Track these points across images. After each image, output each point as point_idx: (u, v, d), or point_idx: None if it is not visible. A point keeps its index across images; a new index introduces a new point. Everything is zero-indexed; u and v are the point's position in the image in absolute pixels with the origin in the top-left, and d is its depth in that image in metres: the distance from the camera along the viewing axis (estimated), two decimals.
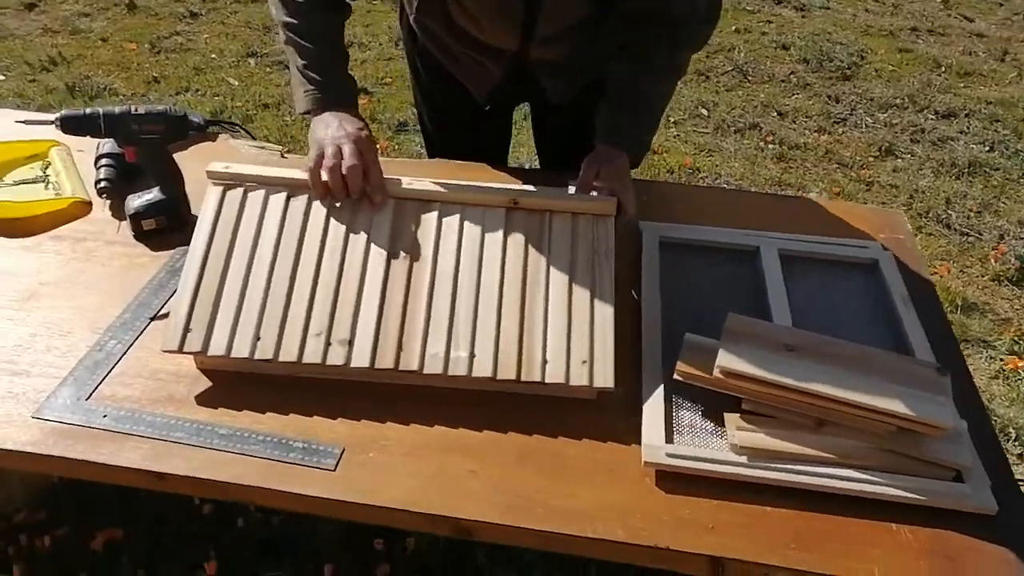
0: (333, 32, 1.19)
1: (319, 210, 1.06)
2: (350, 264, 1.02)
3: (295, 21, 1.15)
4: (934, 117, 3.26)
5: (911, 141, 3.10)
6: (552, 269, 1.02)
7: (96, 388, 0.98)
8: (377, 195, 1.06)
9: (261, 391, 0.98)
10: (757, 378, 0.92)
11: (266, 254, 1.02)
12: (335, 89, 1.15)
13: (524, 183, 1.31)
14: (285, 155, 1.45)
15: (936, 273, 2.37)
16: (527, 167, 2.30)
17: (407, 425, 0.95)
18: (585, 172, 1.14)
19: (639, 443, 0.94)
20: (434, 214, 1.06)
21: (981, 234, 2.57)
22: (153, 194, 1.21)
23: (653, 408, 0.97)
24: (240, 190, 1.07)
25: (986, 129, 3.19)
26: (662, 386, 0.99)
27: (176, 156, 1.23)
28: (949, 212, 2.66)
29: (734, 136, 3.09)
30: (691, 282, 1.19)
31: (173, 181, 1.22)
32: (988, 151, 3.05)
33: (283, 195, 1.07)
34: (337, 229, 1.05)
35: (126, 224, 1.22)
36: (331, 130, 1.08)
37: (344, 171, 1.04)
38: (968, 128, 3.19)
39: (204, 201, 1.06)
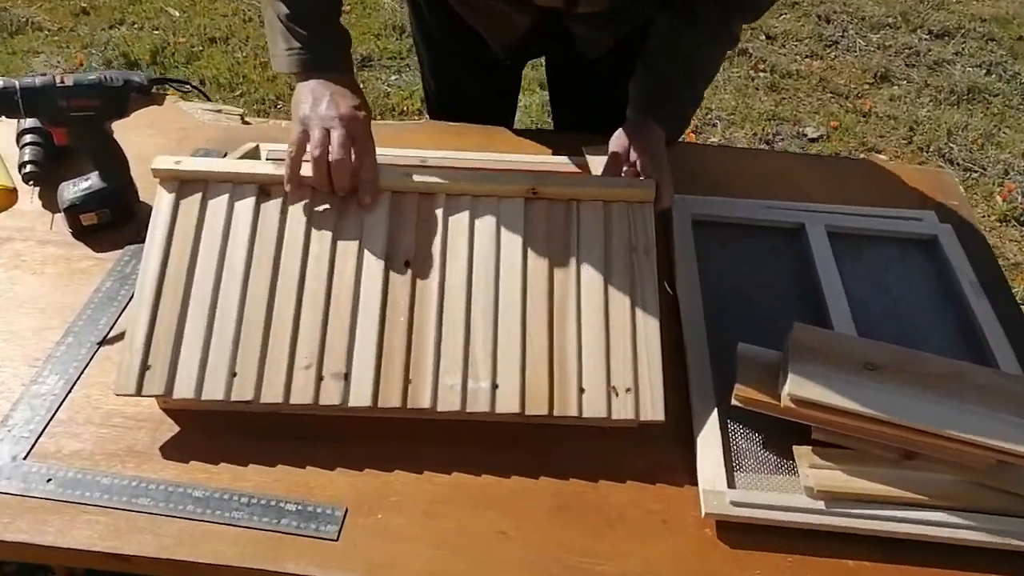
0: None
1: (298, 212, 0.87)
2: (341, 278, 0.84)
3: None
4: (928, 37, 3.10)
5: (906, 65, 2.94)
6: (583, 273, 0.86)
7: (36, 442, 0.80)
8: (367, 195, 0.87)
9: (242, 436, 0.81)
10: (836, 408, 0.78)
11: (237, 270, 0.84)
12: (326, 47, 0.93)
13: (538, 149, 1.13)
14: (247, 120, 1.24)
15: None
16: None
17: (420, 474, 0.80)
18: (614, 148, 0.97)
19: (693, 482, 0.80)
20: (439, 211, 0.88)
21: (985, 169, 2.44)
22: (92, 181, 1.00)
23: (708, 441, 0.82)
24: (198, 194, 0.87)
25: (982, 50, 3.04)
26: (715, 411, 0.85)
27: (115, 125, 1.01)
28: (951, 145, 2.53)
29: (723, 64, 2.89)
30: (731, 270, 1.03)
31: (116, 165, 1.01)
32: (985, 74, 2.90)
33: (252, 196, 0.87)
34: (322, 235, 0.86)
35: (61, 218, 1.02)
36: (320, 107, 0.88)
37: (330, 163, 0.85)
38: (963, 49, 3.03)
39: (154, 208, 0.87)
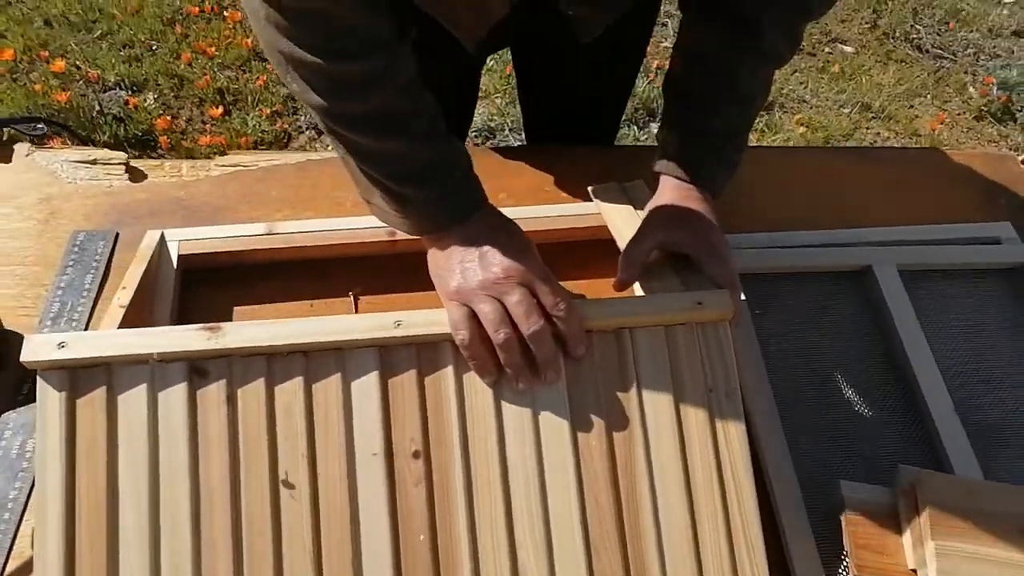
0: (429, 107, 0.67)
1: (254, 395, 0.62)
2: (328, 488, 0.61)
3: (367, 112, 0.63)
4: None
5: None
6: (651, 433, 0.64)
7: None
8: (579, 346, 0.64)
9: None
10: None
11: (179, 503, 0.59)
12: (456, 196, 0.68)
13: (521, 184, 0.88)
14: (133, 166, 0.93)
15: (918, 118, 2.08)
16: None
17: None
18: (648, 235, 0.72)
19: None
20: (448, 369, 0.64)
21: (955, 55, 2.26)
22: None
23: None
24: (100, 388, 0.60)
25: None
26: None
27: None
28: (918, 27, 2.32)
29: None
30: (791, 340, 0.84)
31: None
32: None
33: (182, 382, 0.61)
34: (289, 428, 0.61)
35: None
36: (474, 273, 0.64)
37: (527, 338, 0.61)
38: None
39: (38, 420, 0.60)
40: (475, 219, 0.67)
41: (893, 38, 2.28)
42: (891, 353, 0.83)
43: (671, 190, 0.74)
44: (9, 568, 0.66)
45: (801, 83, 2.19)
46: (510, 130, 2.07)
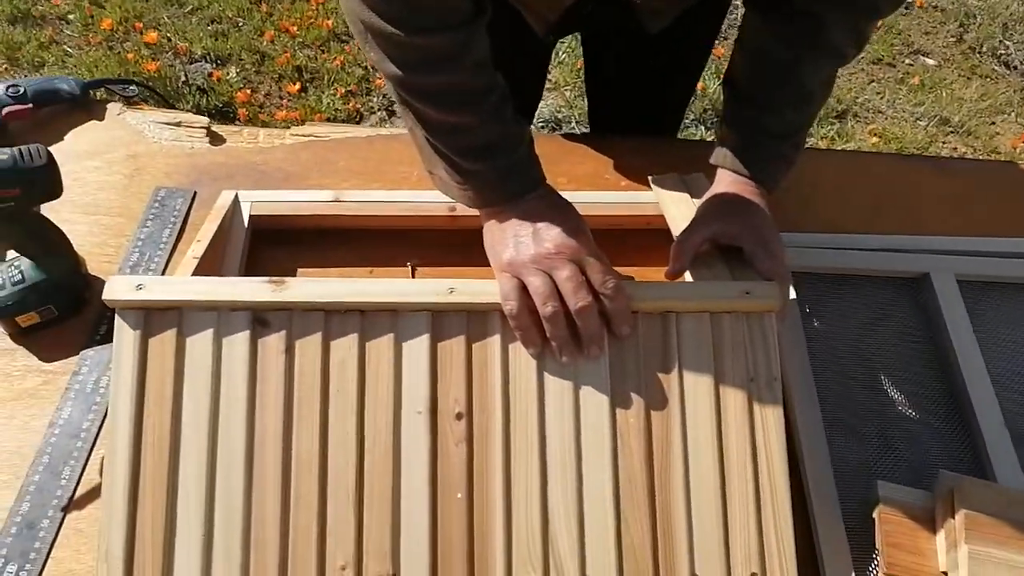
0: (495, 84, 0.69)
1: (311, 347, 0.65)
2: (374, 446, 0.64)
3: (444, 82, 0.66)
4: None
5: None
6: (689, 414, 0.66)
7: None
8: (624, 325, 0.65)
9: None
10: None
11: (236, 440, 0.63)
12: (515, 172, 0.70)
13: (582, 174, 0.89)
14: (214, 130, 0.98)
15: (999, 135, 2.02)
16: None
17: None
18: (701, 226, 0.73)
19: None
20: (495, 338, 0.66)
21: None
22: (24, 270, 0.77)
23: None
24: (171, 330, 0.65)
25: None
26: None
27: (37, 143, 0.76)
28: (1007, 43, 2.25)
29: None
30: (836, 343, 0.84)
31: (54, 252, 0.77)
32: None
33: (246, 330, 0.65)
34: (344, 384, 0.65)
35: None
36: (526, 247, 0.66)
37: (575, 314, 0.63)
38: None
39: (114, 351, 0.64)
40: (533, 196, 0.69)
41: (979, 52, 2.22)
42: (943, 361, 0.83)
43: (727, 183, 0.75)
44: (79, 492, 0.71)
45: (878, 93, 2.15)
46: (576, 122, 2.09)
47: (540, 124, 2.10)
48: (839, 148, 2.13)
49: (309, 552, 0.62)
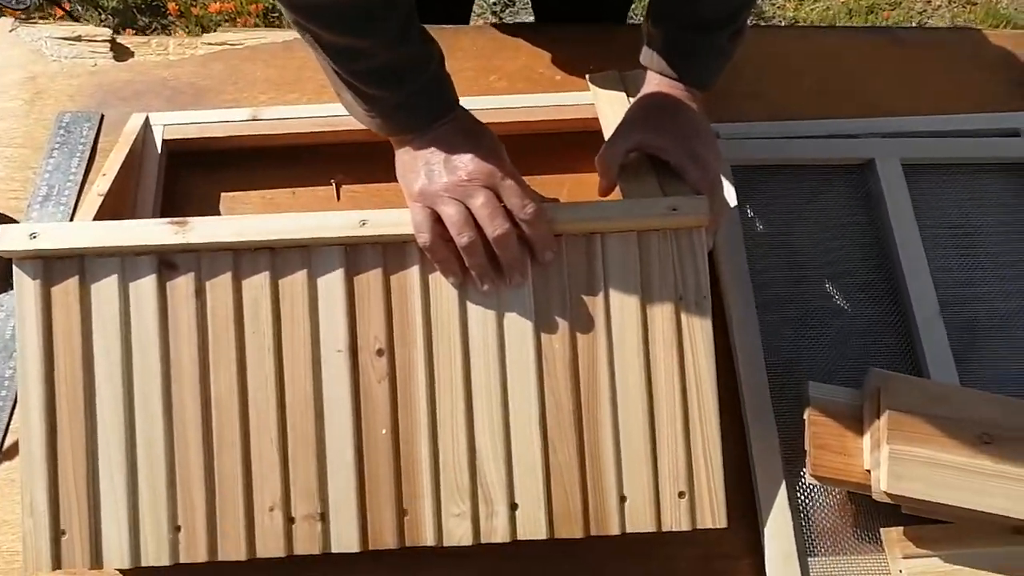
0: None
1: (221, 289, 0.63)
2: (293, 382, 0.63)
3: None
4: None
5: None
6: (615, 337, 0.64)
7: None
8: (547, 251, 0.63)
9: None
10: (943, 505, 0.63)
11: (151, 385, 0.61)
12: (423, 95, 0.64)
13: (517, 67, 0.85)
14: (119, 42, 0.91)
15: None
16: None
17: None
18: (624, 136, 0.69)
19: (757, 570, 0.67)
20: (414, 269, 0.64)
21: None
22: None
23: (777, 528, 0.68)
24: (73, 278, 0.62)
25: None
26: (783, 487, 0.69)
27: None
28: None
29: None
30: (777, 238, 0.82)
31: None
32: None
33: (152, 274, 0.62)
34: (257, 321, 0.63)
35: None
36: (439, 176, 0.62)
37: (496, 246, 0.61)
38: None
39: (16, 303, 0.61)
40: (444, 122, 0.65)
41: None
42: (883, 252, 0.81)
43: (655, 84, 0.71)
44: (8, 442, 0.70)
45: None
46: (521, 8, 1.98)
47: (480, 11, 1.99)
48: (808, 9, 2.03)
49: (236, 495, 0.62)
